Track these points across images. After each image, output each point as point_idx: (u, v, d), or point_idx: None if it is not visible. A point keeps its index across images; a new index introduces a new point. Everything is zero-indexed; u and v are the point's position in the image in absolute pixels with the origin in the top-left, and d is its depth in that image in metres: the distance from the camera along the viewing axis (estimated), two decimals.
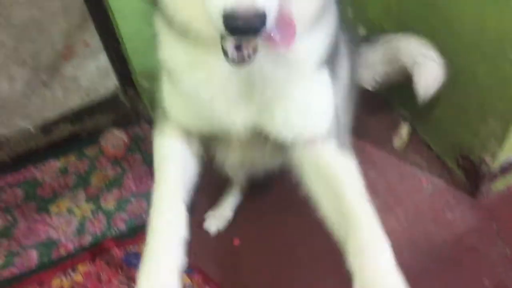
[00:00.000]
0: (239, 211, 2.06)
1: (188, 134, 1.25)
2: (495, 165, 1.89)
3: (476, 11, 1.65)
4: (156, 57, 1.24)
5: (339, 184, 1.12)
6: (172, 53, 1.13)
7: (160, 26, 1.13)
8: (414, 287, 1.79)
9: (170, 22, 1.02)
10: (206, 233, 2.00)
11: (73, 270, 1.93)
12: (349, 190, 1.11)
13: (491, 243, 1.92)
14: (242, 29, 0.77)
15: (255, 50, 0.89)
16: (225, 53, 0.88)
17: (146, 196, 2.12)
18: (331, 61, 1.13)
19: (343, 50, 1.32)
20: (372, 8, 2.21)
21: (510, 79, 1.62)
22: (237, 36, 0.81)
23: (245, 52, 0.87)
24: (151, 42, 2.10)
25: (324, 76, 1.12)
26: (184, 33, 1.01)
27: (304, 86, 1.09)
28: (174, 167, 1.22)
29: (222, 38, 0.88)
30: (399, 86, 2.26)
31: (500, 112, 1.74)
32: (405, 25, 2.03)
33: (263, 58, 0.97)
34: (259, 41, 0.89)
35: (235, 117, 1.11)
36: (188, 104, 1.16)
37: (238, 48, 0.87)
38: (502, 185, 2.05)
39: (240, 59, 0.88)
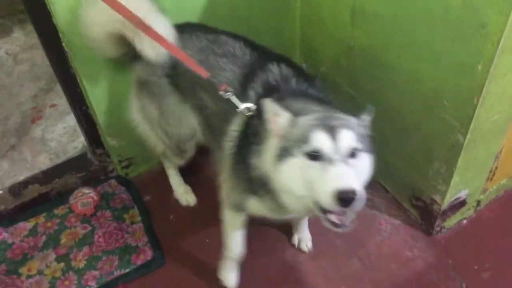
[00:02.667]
0: None
1: None
2: (444, 203, 2.04)
3: (413, 64, 1.84)
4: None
5: None
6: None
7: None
8: None
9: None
10: None
11: None
12: None
13: (447, 277, 2.04)
14: (347, 200, 1.18)
15: (352, 221, 1.29)
16: (330, 222, 1.29)
17: (116, 252, 2.16)
18: None
19: None
20: (324, 63, 2.40)
21: (449, 125, 1.79)
22: (342, 207, 1.19)
23: (345, 221, 1.28)
24: (118, 106, 2.22)
25: None
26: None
27: None
28: None
29: (324, 212, 1.29)
30: None
31: (443, 155, 1.90)
32: (355, 78, 2.21)
33: None
34: (354, 216, 1.29)
35: None
36: None
37: (339, 219, 1.28)
38: (453, 221, 2.20)
39: (342, 225, 1.28)
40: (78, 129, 2.65)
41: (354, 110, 2.23)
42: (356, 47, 2.12)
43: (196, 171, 2.46)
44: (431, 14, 1.65)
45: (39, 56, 3.21)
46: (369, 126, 1.46)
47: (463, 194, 2.06)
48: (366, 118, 1.45)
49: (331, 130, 1.30)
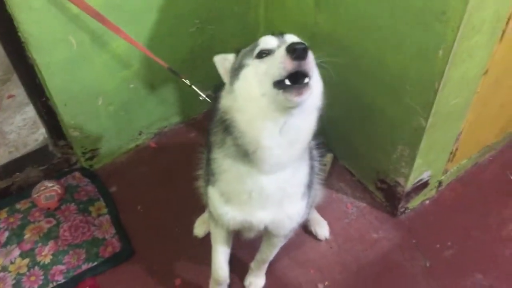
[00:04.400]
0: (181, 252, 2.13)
1: None
2: (408, 185, 2.09)
3: (377, 49, 1.86)
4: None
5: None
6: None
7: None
8: None
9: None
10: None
11: None
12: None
13: (412, 257, 2.11)
14: (298, 49, 1.14)
15: (306, 90, 1.19)
16: (288, 96, 1.19)
17: (83, 245, 2.12)
18: (308, 192, 1.59)
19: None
20: None
21: (411, 109, 1.82)
22: (295, 59, 1.15)
23: (303, 89, 1.18)
24: (80, 96, 2.17)
25: (305, 200, 1.58)
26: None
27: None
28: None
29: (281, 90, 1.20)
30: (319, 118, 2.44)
31: (407, 139, 1.94)
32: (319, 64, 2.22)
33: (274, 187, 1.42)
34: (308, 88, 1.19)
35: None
36: None
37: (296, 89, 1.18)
38: (416, 202, 2.27)
39: (300, 97, 1.18)
40: (38, 121, 2.56)
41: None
42: (320, 33, 2.12)
43: None
44: None
45: None
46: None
47: (425, 175, 2.12)
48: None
49: (278, 34, 1.34)
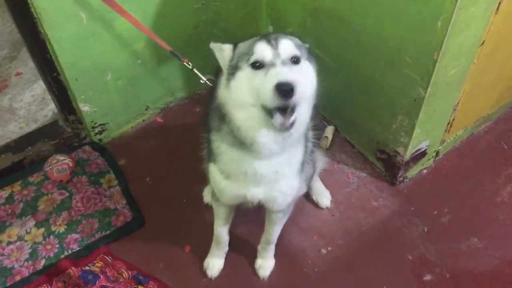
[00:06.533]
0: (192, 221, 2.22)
1: None
2: (407, 155, 2.18)
3: (376, 23, 1.93)
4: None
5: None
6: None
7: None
8: (349, 270, 2.04)
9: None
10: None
11: None
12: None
13: (410, 223, 2.21)
14: (285, 91, 1.24)
15: (293, 122, 1.32)
16: (275, 124, 1.32)
17: (96, 215, 2.21)
18: (302, 168, 1.68)
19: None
20: (291, 25, 2.46)
21: (411, 79, 1.90)
22: (282, 98, 1.25)
23: (287, 121, 1.31)
24: (91, 71, 2.22)
25: (299, 175, 1.68)
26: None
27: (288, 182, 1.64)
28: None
29: (271, 115, 1.32)
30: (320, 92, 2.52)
31: (406, 109, 2.02)
32: (321, 39, 2.29)
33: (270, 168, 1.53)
34: (295, 117, 1.32)
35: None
36: None
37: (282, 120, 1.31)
38: (415, 171, 2.36)
39: (284, 126, 1.32)
40: (47, 97, 2.63)
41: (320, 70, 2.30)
42: (321, 8, 2.18)
43: None
44: None
45: None
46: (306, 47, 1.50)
47: (423, 145, 2.21)
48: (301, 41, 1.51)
49: (271, 40, 1.37)
